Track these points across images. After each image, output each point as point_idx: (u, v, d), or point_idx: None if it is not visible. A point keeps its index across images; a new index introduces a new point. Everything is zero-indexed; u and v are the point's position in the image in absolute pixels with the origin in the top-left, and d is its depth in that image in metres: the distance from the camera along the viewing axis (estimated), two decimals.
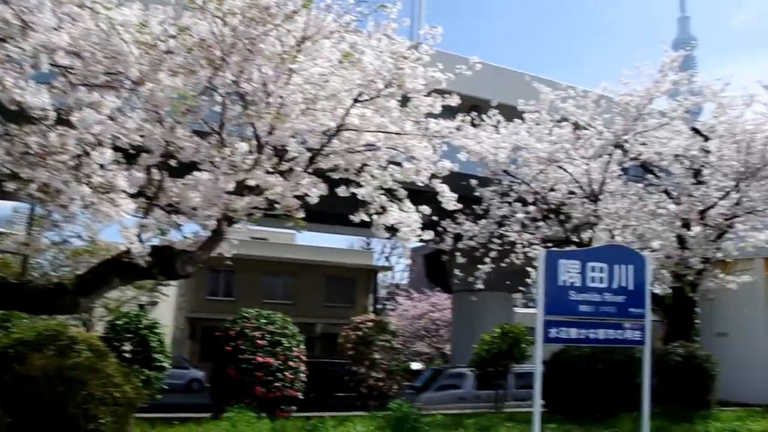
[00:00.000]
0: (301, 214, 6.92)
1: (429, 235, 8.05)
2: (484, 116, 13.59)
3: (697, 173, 15.10)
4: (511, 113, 14.33)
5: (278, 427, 9.63)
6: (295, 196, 6.84)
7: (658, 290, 17.31)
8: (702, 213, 14.58)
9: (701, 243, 14.80)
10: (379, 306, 46.03)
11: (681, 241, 15.09)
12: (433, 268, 29.37)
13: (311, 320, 37.97)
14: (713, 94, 14.98)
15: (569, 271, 9.72)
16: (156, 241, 6.55)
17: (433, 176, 7.57)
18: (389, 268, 52.74)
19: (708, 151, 14.85)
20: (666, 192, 15.36)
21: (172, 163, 6.60)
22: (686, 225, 15.10)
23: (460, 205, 7.88)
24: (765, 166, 14.08)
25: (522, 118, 14.23)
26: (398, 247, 48.53)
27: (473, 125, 13.90)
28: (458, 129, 7.58)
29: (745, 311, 20.66)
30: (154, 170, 6.41)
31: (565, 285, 9.71)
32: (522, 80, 14.91)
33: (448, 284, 27.27)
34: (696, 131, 15.65)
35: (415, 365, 39.13)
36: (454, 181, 8.21)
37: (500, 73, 20.91)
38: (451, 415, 13.54)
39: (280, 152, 6.80)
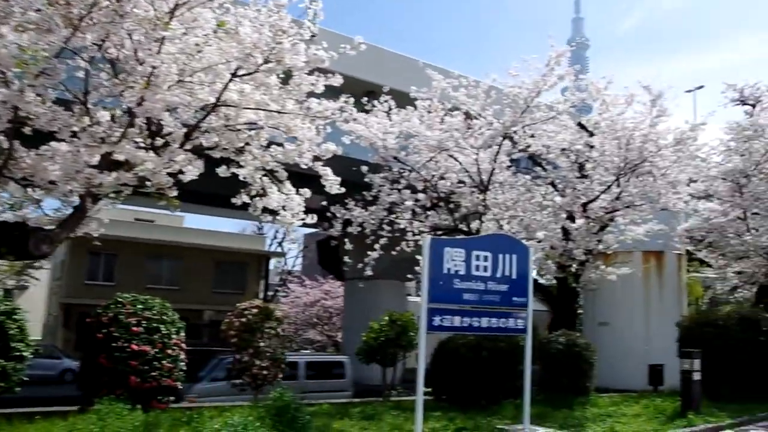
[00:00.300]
0: (174, 193, 6.58)
1: (313, 218, 7.90)
2: (376, 102, 13.55)
3: (581, 167, 15.71)
4: (404, 100, 14.38)
5: (152, 420, 9.20)
6: (170, 174, 6.49)
7: (543, 280, 17.97)
8: (585, 206, 15.16)
9: (584, 235, 15.40)
10: (270, 293, 45.40)
11: (565, 232, 15.65)
12: (326, 255, 29.25)
13: (199, 307, 37.00)
14: (597, 91, 15.59)
15: (454, 259, 9.82)
16: (8, 217, 6.02)
17: (317, 159, 7.40)
18: (282, 254, 52.08)
19: (592, 147, 15.46)
20: (552, 184, 15.89)
21: (27, 131, 6.08)
22: (571, 217, 15.67)
23: (342, 189, 7.76)
24: (643, 163, 14.80)
25: (414, 105, 14.30)
26: (292, 232, 48.02)
27: (365, 111, 13.89)
28: (341, 110, 7.43)
29: (624, 302, 21.78)
30: (1, 137, 5.86)
31: (450, 273, 9.79)
32: (415, 67, 14.96)
33: (341, 271, 27.21)
34: (581, 126, 16.25)
35: (307, 353, 39.03)
36: (345, 166, 8.10)
37: (393, 58, 20.89)
38: (338, 404, 13.52)
39: (155, 127, 6.42)
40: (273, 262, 48.39)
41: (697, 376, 13.08)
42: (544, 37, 21.53)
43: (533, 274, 16.68)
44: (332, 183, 7.69)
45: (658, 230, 17.81)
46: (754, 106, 20.17)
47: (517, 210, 14.25)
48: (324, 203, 13.28)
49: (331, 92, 7.75)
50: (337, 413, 11.93)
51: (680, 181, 16.03)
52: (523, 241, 11.83)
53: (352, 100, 7.48)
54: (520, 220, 14.50)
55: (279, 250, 49.00)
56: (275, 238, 50.38)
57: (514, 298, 10.78)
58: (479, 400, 12.78)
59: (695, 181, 19.13)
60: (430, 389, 13.67)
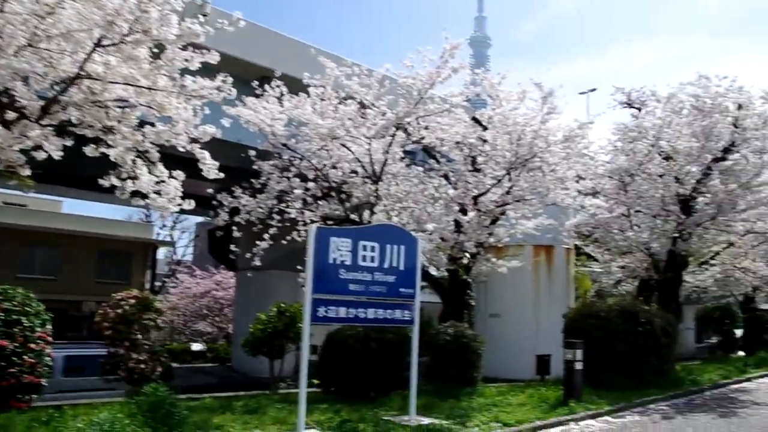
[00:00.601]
0: (27, 172, 6.07)
1: (191, 204, 7.54)
2: (267, 87, 13.21)
3: (474, 161, 15.94)
4: (298, 86, 14.10)
5: (3, 421, 8.54)
6: (23, 152, 5.98)
7: (434, 272, 18.17)
8: (476, 199, 15.39)
9: (476, 228, 15.64)
10: (158, 283, 43.94)
11: (457, 225, 15.85)
12: (216, 244, 28.50)
13: (79, 298, 35.24)
14: (491, 86, 15.86)
15: (340, 249, 9.71)
16: None
17: (194, 141, 7.06)
18: (171, 243, 50.57)
19: (485, 141, 15.71)
20: (445, 177, 16.04)
21: None
22: (463, 210, 15.90)
23: (221, 174, 7.43)
24: (533, 158, 15.18)
25: (308, 92, 14.05)
26: (182, 220, 46.62)
27: (256, 95, 13.52)
28: (219, 90, 7.10)
29: (515, 294, 22.37)
30: None
31: (336, 263, 9.69)
32: (309, 53, 14.67)
33: (232, 261, 26.60)
34: (475, 121, 16.50)
35: (196, 346, 38.03)
36: (232, 151, 7.75)
37: (287, 44, 20.42)
38: (222, 398, 13.17)
39: (6, 98, 5.88)
40: (162, 252, 46.84)
41: (579, 366, 13.58)
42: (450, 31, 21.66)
43: (424, 266, 17.05)
44: (210, 167, 7.34)
45: (547, 225, 18.32)
46: (639, 109, 21.16)
47: (408, 201, 14.29)
48: (211, 190, 12.86)
49: (215, 73, 7.41)
50: (220, 407, 11.63)
51: (568, 178, 16.56)
52: (413, 233, 11.87)
53: (230, 80, 7.12)
54: (412, 212, 14.55)
55: (168, 239, 47.51)
56: (164, 226, 48.87)
57: (402, 290, 10.80)
58: (368, 392, 12.76)
59: (583, 179, 19.89)
60: (318, 381, 13.56)
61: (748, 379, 19.44)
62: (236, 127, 10.45)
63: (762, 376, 20.35)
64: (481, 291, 23.29)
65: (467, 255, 16.07)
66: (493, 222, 16.26)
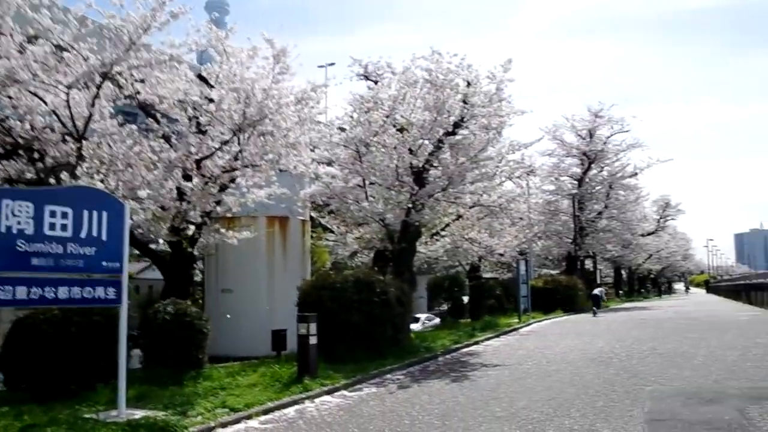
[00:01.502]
0: None
1: None
2: None
3: (199, 122, 14.63)
4: None
5: None
6: None
7: (153, 244, 16.61)
8: (199, 163, 14.12)
9: (201, 196, 14.40)
10: None
11: (180, 193, 14.48)
12: None
13: None
14: (218, 39, 14.61)
15: (18, 215, 8.00)
16: None
17: None
18: None
19: (211, 100, 14.47)
20: (166, 138, 14.55)
21: None
22: (187, 176, 14.56)
23: None
24: (263, 120, 14.23)
25: None
26: None
27: None
28: None
29: (249, 268, 21.42)
30: None
31: (12, 232, 7.96)
32: None
33: None
34: (201, 78, 15.19)
35: None
36: None
37: None
38: None
39: None
40: None
41: (313, 340, 13.07)
42: None
43: (142, 237, 15.39)
44: None
45: (281, 194, 17.66)
46: (376, 82, 21.37)
47: (118, 164, 12.56)
48: None
49: None
50: None
51: (301, 143, 15.94)
52: (123, 200, 10.34)
53: None
54: (122, 176, 12.83)
55: None
56: None
57: (105, 263, 9.33)
58: (68, 386, 10.96)
59: (319, 148, 19.57)
60: (3, 378, 11.49)
61: (477, 343, 20.53)
62: None
63: (487, 339, 21.67)
64: (212, 265, 22.13)
65: (192, 226, 14.78)
66: (222, 190, 15.13)
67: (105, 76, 12.15)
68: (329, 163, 19.90)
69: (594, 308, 35.42)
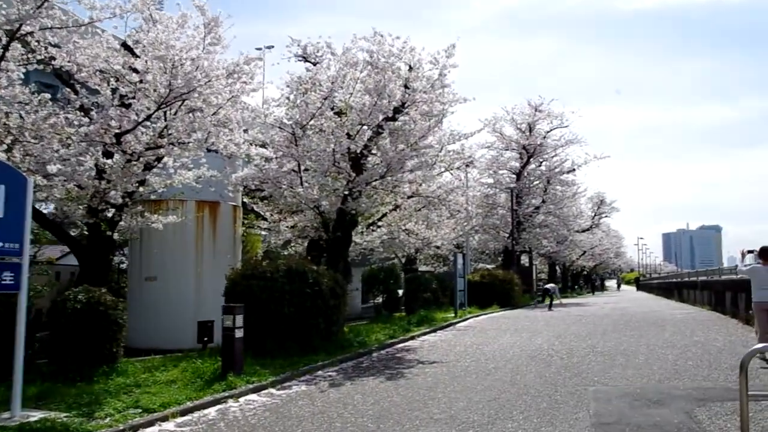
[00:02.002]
0: None
1: None
2: None
3: (121, 94, 13.58)
4: None
5: None
6: None
7: (72, 229, 15.52)
8: (119, 137, 13.08)
9: (122, 175, 13.39)
10: None
11: (99, 171, 13.42)
12: None
13: None
14: (144, 4, 13.54)
15: None
16: None
17: None
18: None
19: (135, 70, 13.42)
20: (84, 110, 13.43)
21: None
22: (108, 154, 13.51)
23: None
24: (191, 93, 13.27)
25: None
26: None
27: None
28: None
29: (175, 255, 20.35)
30: None
31: None
32: None
33: None
34: (126, 47, 14.14)
35: None
36: None
37: None
38: None
39: None
40: None
41: (239, 333, 12.27)
42: None
43: (56, 219, 14.27)
44: None
45: (211, 177, 16.90)
46: (315, 64, 20.50)
47: (26, 135, 11.43)
48: None
49: None
50: None
51: (233, 122, 15.04)
52: (28, 174, 9.32)
53: None
54: (31, 148, 11.70)
55: None
56: None
57: (3, 245, 8.34)
58: None
59: (253, 129, 18.65)
60: None
61: (412, 338, 20.09)
62: None
63: (423, 334, 21.24)
64: (136, 251, 20.97)
65: (112, 207, 13.73)
66: (146, 169, 14.13)
67: (12, 36, 10.98)
68: (263, 145, 19.02)
69: (549, 303, 36.11)
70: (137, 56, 13.66)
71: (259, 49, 37.43)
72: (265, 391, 11.44)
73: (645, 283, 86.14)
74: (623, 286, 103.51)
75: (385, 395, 10.73)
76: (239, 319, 12.22)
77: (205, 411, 9.92)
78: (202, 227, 20.94)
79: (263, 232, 27.24)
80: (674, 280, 49.81)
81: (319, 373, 13.35)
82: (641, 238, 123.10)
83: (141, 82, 13.07)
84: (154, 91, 13.15)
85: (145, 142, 13.50)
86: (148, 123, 13.54)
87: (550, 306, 35.88)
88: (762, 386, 10.49)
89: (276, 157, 19.11)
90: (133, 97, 13.24)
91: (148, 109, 13.47)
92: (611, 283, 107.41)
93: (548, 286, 38.75)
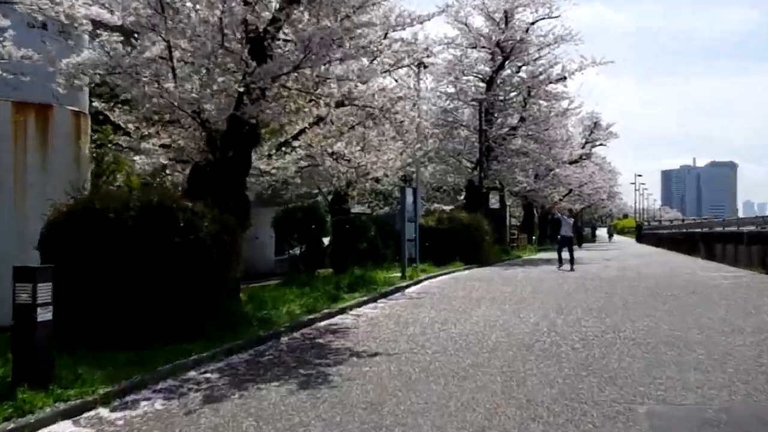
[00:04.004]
0: None
1: None
2: None
3: None
4: None
5: None
6: None
7: None
8: None
9: None
10: None
11: None
12: None
13: None
14: None
15: None
16: None
17: None
18: None
19: None
20: None
21: None
22: None
23: None
24: None
25: None
26: None
27: None
28: None
29: None
30: None
31: None
32: None
33: None
34: None
35: None
36: None
37: None
38: None
39: None
40: None
41: (45, 315, 9.44)
42: None
43: None
44: None
45: (37, 62, 15.06)
46: None
47: None
48: None
49: None
50: None
51: None
52: None
53: None
54: None
55: None
56: None
57: None
58: None
59: None
60: None
61: (343, 311, 18.30)
62: None
63: (360, 304, 19.51)
64: None
65: None
66: None
67: None
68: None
69: (570, 258, 33.93)
70: None
71: None
72: (91, 413, 8.84)
73: (649, 233, 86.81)
74: (615, 237, 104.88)
75: (297, 420, 8.29)
76: (45, 290, 9.39)
77: None
78: (24, 141, 18.25)
79: (136, 158, 24.72)
80: (699, 230, 49.16)
81: (192, 374, 11.00)
82: (640, 176, 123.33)
83: None
84: None
85: None
86: None
87: (572, 262, 33.59)
88: None
89: (134, 36, 16.59)
90: None
91: None
92: (601, 233, 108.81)
93: (563, 225, 35.14)
